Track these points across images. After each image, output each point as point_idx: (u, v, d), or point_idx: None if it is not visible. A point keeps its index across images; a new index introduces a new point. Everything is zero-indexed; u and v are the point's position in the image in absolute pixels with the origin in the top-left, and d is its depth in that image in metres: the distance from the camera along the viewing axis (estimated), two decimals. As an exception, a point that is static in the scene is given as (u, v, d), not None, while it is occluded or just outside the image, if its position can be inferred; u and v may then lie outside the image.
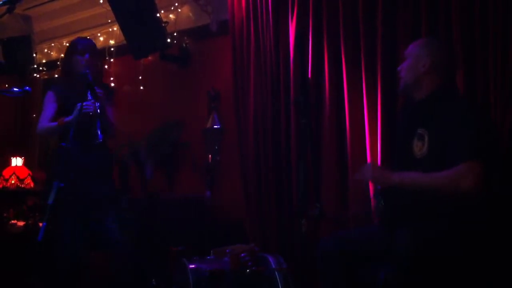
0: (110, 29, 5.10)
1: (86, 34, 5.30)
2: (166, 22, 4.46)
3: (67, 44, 5.42)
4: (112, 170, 3.51)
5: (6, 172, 5.45)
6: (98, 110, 3.11)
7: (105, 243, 3.28)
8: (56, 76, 5.38)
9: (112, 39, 5.08)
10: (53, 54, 5.71)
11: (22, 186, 5.40)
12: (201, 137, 4.39)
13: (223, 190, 4.29)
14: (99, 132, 3.08)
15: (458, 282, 2.21)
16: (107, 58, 5.09)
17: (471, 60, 2.97)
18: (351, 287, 2.48)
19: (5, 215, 5.05)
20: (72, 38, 5.42)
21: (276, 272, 2.95)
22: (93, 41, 3.52)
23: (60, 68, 3.53)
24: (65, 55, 3.44)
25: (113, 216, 3.29)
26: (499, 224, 2.30)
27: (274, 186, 3.84)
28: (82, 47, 3.30)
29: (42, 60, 5.77)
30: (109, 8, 4.53)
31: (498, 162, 2.30)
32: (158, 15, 4.33)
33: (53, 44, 5.69)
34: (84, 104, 3.02)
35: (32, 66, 5.58)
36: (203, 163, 4.34)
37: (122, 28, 4.49)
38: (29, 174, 5.49)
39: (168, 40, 4.47)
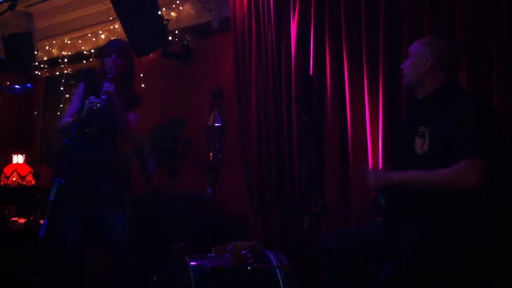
0: (112, 27, 5.10)
1: (88, 32, 5.33)
2: (168, 20, 4.46)
3: (68, 42, 5.52)
4: (116, 166, 3.48)
5: (7, 169, 5.46)
6: (99, 105, 3.12)
7: (106, 240, 3.28)
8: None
9: (113, 37, 5.08)
10: (55, 51, 5.72)
11: (24, 183, 5.41)
12: (204, 134, 4.39)
13: (225, 187, 4.29)
14: (95, 123, 3.08)
15: (460, 281, 2.21)
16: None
17: (475, 59, 2.95)
18: (354, 284, 2.48)
19: (6, 212, 5.05)
20: (73, 35, 5.52)
21: (277, 269, 2.95)
22: (124, 42, 3.59)
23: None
24: (100, 59, 3.60)
25: (115, 213, 3.28)
26: (502, 221, 2.29)
27: (277, 183, 3.84)
28: (109, 48, 3.40)
29: (44, 57, 5.78)
30: (111, 6, 4.53)
31: (502, 159, 2.29)
32: (159, 12, 4.33)
33: (54, 42, 5.69)
34: (89, 99, 3.08)
35: (34, 63, 5.59)
36: (205, 160, 4.34)
37: (123, 25, 4.49)
38: (30, 171, 5.50)
39: (170, 38, 4.47)
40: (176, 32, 4.63)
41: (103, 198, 3.25)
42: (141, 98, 3.53)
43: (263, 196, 3.91)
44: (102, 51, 3.48)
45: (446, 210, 2.26)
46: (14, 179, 5.42)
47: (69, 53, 5.56)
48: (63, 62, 5.57)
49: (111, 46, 3.41)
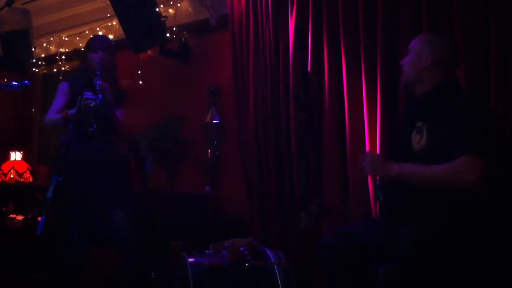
0: (110, 24, 5.09)
1: (85, 29, 5.32)
2: (165, 17, 4.45)
3: (66, 39, 5.50)
4: (118, 163, 3.44)
5: (5, 167, 5.46)
6: (98, 101, 3.11)
7: (108, 240, 3.27)
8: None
9: (111, 34, 5.07)
10: (52, 48, 5.70)
11: (21, 180, 5.41)
12: (202, 133, 4.38)
13: (224, 186, 4.28)
14: (93, 121, 3.08)
15: (460, 280, 2.20)
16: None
17: (473, 57, 2.95)
18: (354, 283, 2.48)
19: (4, 209, 5.04)
20: (71, 32, 5.50)
21: (275, 266, 2.94)
22: (109, 38, 3.62)
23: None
24: (83, 52, 3.62)
25: (118, 211, 3.24)
26: (502, 221, 2.28)
27: (276, 182, 3.83)
28: (95, 44, 3.44)
29: (41, 54, 5.76)
30: (108, 2, 4.52)
31: (501, 157, 2.28)
32: (157, 9, 4.33)
33: (52, 39, 5.68)
34: (84, 96, 3.06)
35: (31, 60, 5.57)
36: (204, 159, 4.33)
37: (121, 22, 4.48)
38: (28, 169, 5.49)
39: (168, 35, 4.47)
40: (174, 29, 4.62)
41: (105, 197, 3.23)
42: (127, 94, 3.54)
43: (263, 195, 3.90)
44: (87, 45, 3.49)
45: (446, 209, 2.25)
46: (11, 176, 5.41)
47: (67, 50, 5.55)
48: (61, 59, 5.55)
49: (97, 43, 3.43)
